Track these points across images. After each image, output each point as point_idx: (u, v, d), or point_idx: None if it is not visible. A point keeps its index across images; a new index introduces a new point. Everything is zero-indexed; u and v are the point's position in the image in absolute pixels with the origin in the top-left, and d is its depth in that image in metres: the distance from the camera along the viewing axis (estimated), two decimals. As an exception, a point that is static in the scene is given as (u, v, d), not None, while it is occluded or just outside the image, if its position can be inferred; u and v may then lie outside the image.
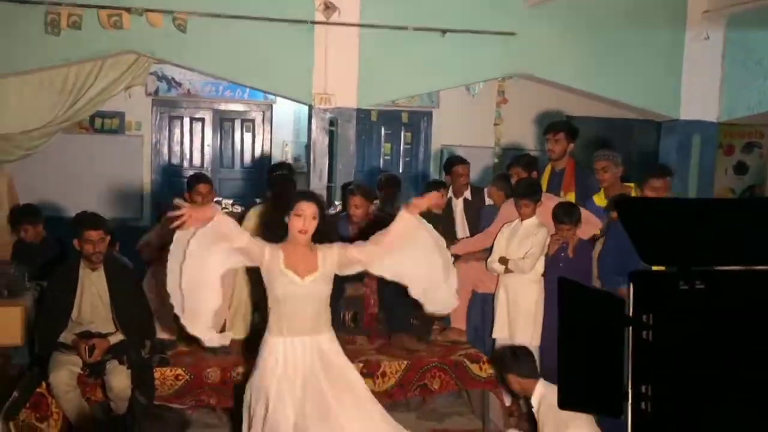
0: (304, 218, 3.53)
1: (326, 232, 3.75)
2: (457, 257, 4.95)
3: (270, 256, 3.55)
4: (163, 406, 4.68)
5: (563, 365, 1.03)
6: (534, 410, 4.30)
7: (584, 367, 1.01)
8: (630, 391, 0.97)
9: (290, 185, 5.61)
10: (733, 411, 0.93)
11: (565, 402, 1.02)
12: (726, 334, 0.95)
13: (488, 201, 6.31)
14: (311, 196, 3.70)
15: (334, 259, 3.63)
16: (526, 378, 4.31)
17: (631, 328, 0.98)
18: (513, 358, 4.42)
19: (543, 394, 4.18)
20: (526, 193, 5.27)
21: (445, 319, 5.58)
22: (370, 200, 5.69)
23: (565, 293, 1.01)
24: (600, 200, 5.54)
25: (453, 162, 6.69)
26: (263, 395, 3.55)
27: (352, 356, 4.08)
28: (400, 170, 10.22)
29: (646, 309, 0.98)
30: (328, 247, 3.65)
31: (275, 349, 3.59)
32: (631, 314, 0.98)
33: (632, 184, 5.56)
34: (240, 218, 5.80)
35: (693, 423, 0.93)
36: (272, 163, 9.44)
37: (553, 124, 6.15)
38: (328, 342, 3.71)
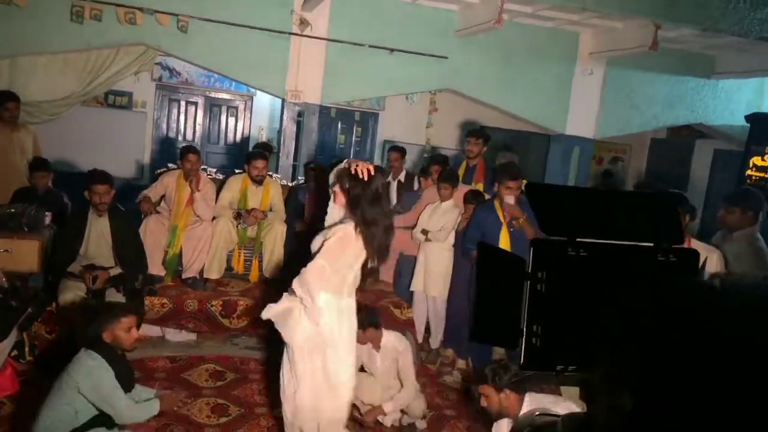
0: None
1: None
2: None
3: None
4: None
5: (478, 309, 1.03)
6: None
7: (492, 310, 1.02)
8: (525, 329, 0.98)
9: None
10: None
11: (476, 336, 1.03)
12: (597, 288, 0.97)
13: (415, 186, 6.32)
14: None
15: None
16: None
17: (529, 282, 0.98)
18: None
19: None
20: (448, 179, 5.28)
21: (376, 273, 5.60)
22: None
23: (484, 254, 1.01)
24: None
25: (390, 150, 6.74)
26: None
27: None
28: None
29: (541, 268, 0.98)
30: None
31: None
32: (529, 271, 0.99)
33: (524, 180, 5.61)
34: (221, 184, 5.71)
35: (569, 353, 0.95)
36: (250, 142, 9.28)
37: (473, 131, 6.14)
38: None
